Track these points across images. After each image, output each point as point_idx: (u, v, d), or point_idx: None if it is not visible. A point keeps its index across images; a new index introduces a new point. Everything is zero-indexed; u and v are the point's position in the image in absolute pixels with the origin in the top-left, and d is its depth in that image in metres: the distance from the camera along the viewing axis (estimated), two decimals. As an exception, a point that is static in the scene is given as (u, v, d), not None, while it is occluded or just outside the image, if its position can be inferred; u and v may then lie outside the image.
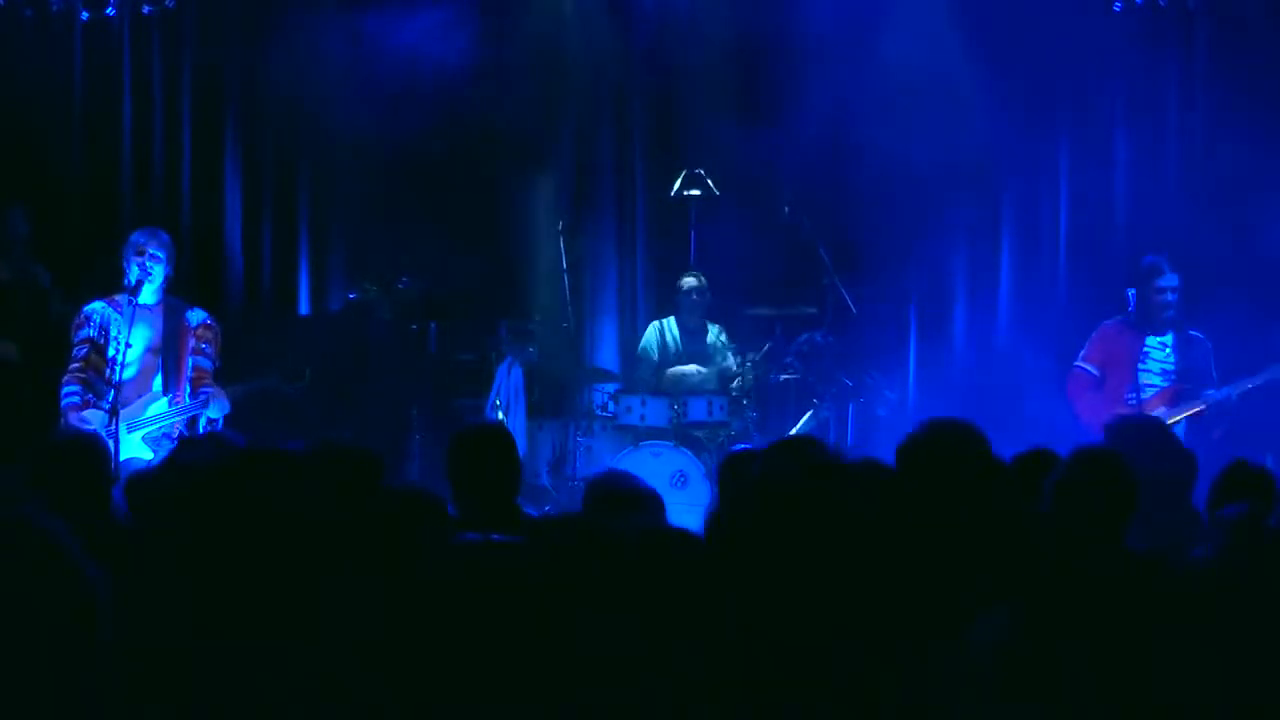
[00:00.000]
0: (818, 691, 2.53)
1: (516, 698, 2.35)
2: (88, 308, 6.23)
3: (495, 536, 2.62)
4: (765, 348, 7.98)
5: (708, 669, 2.41)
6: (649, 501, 3.75)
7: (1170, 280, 6.94)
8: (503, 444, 3.99)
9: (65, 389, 6.09)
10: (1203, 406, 6.83)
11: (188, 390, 6.22)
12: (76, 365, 6.14)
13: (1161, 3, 8.35)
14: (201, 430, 6.13)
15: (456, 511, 3.83)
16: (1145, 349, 7.00)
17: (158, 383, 6.21)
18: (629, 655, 2.39)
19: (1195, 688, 2.76)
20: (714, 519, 3.43)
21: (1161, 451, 4.42)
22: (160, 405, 6.19)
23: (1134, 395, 6.98)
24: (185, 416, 6.20)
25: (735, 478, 4.06)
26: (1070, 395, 7.16)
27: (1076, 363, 7.17)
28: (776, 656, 2.54)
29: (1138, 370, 7.00)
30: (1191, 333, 7.03)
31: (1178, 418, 6.83)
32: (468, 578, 2.49)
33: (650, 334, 8.36)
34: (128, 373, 5.99)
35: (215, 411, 6.18)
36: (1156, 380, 6.98)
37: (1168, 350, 6.95)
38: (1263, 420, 7.29)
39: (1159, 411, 6.83)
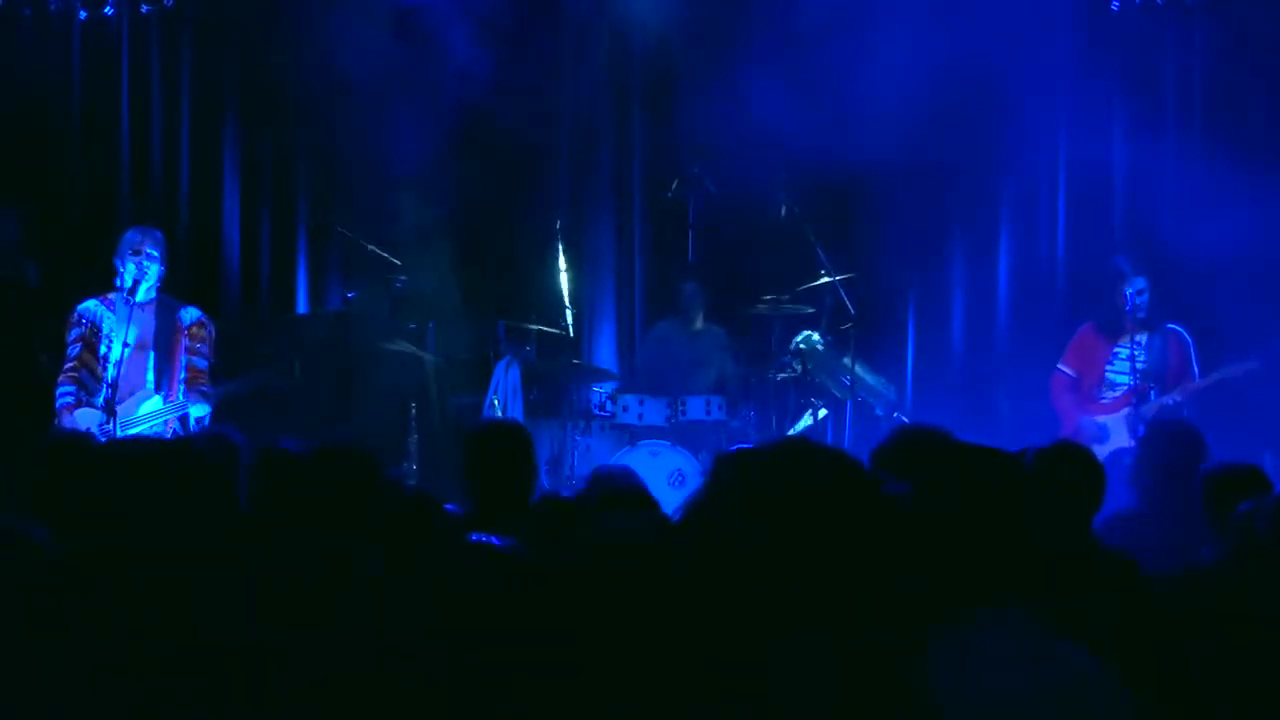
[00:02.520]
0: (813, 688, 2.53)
1: (519, 699, 2.35)
2: (80, 307, 6.27)
3: (495, 540, 2.62)
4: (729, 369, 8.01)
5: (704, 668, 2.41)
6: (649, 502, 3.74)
7: (1136, 284, 6.97)
8: (523, 443, 3.99)
9: (60, 389, 6.13)
10: (1155, 410, 6.87)
11: (181, 389, 6.24)
12: (70, 365, 6.18)
13: (1159, 2, 8.35)
14: (193, 429, 6.14)
15: (472, 509, 3.83)
16: (1116, 350, 7.04)
17: (150, 380, 6.23)
18: (632, 656, 2.38)
19: (1202, 684, 2.76)
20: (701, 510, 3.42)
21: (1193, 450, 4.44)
22: (154, 403, 6.20)
23: (1104, 395, 7.02)
24: (177, 415, 6.21)
25: (728, 476, 4.04)
26: (1052, 396, 7.24)
27: (1058, 365, 7.24)
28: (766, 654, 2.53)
29: (1106, 371, 7.05)
30: (1170, 327, 7.04)
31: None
32: (475, 578, 2.49)
33: (646, 345, 8.39)
34: (120, 370, 6.00)
35: (196, 412, 6.19)
36: (1125, 379, 7.01)
37: (1139, 349, 6.96)
38: (1262, 419, 7.30)
39: (1125, 411, 6.88)
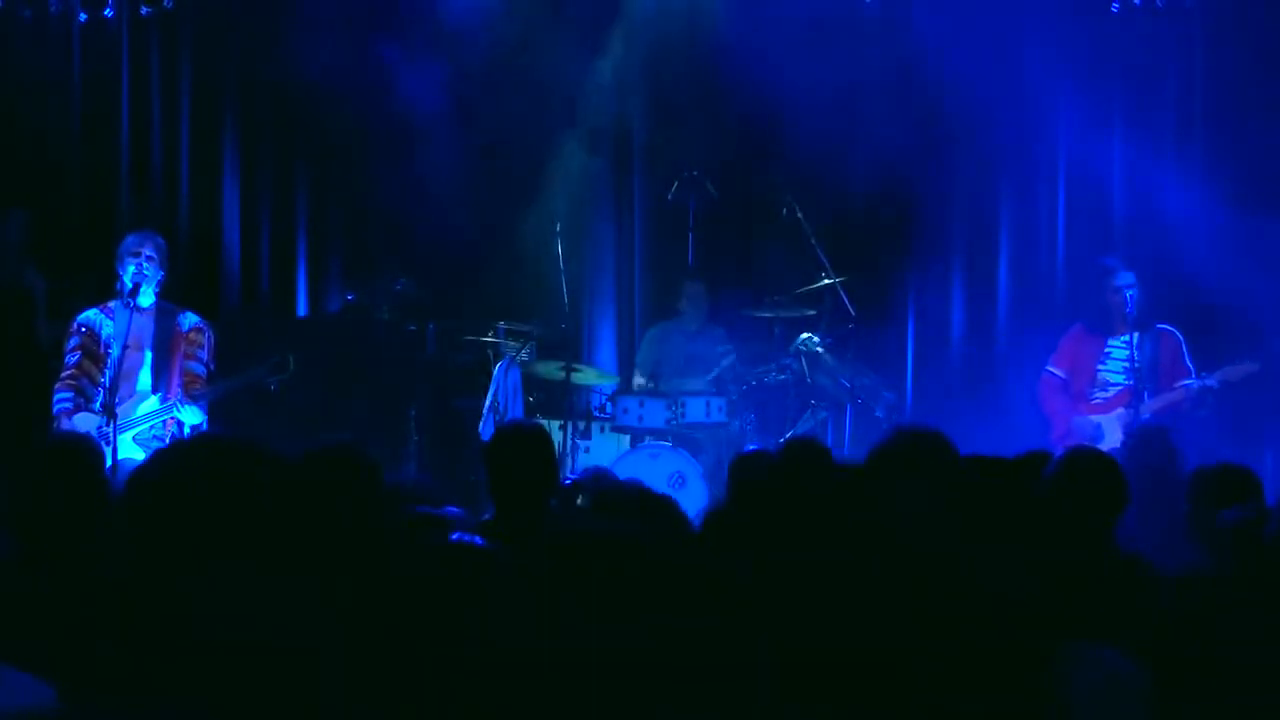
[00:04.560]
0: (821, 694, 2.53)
1: (512, 699, 2.35)
2: (81, 316, 6.32)
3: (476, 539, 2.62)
4: (729, 360, 7.99)
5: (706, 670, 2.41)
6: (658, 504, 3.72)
7: (1125, 279, 6.96)
8: (546, 447, 3.99)
9: (58, 395, 6.16)
10: (1182, 395, 6.84)
11: (179, 393, 6.24)
12: (69, 372, 6.22)
13: (1159, 4, 8.34)
14: (188, 434, 6.15)
15: (494, 513, 3.84)
16: (1107, 349, 7.03)
17: (148, 383, 6.25)
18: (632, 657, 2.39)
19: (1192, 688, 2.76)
20: (715, 515, 3.43)
21: (1168, 454, 4.45)
22: (151, 403, 6.22)
23: (1095, 395, 7.00)
24: (172, 416, 6.22)
25: (746, 478, 4.06)
26: (1040, 399, 7.22)
27: (1046, 367, 7.22)
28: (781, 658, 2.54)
29: (1097, 371, 7.03)
30: (1160, 326, 7.03)
31: (1157, 406, 6.84)
32: (463, 577, 2.49)
33: (645, 345, 8.38)
34: (116, 372, 6.01)
35: (189, 418, 6.20)
36: (1119, 379, 6.99)
37: (1130, 349, 6.95)
38: (1262, 418, 7.30)
39: (1119, 411, 6.86)
